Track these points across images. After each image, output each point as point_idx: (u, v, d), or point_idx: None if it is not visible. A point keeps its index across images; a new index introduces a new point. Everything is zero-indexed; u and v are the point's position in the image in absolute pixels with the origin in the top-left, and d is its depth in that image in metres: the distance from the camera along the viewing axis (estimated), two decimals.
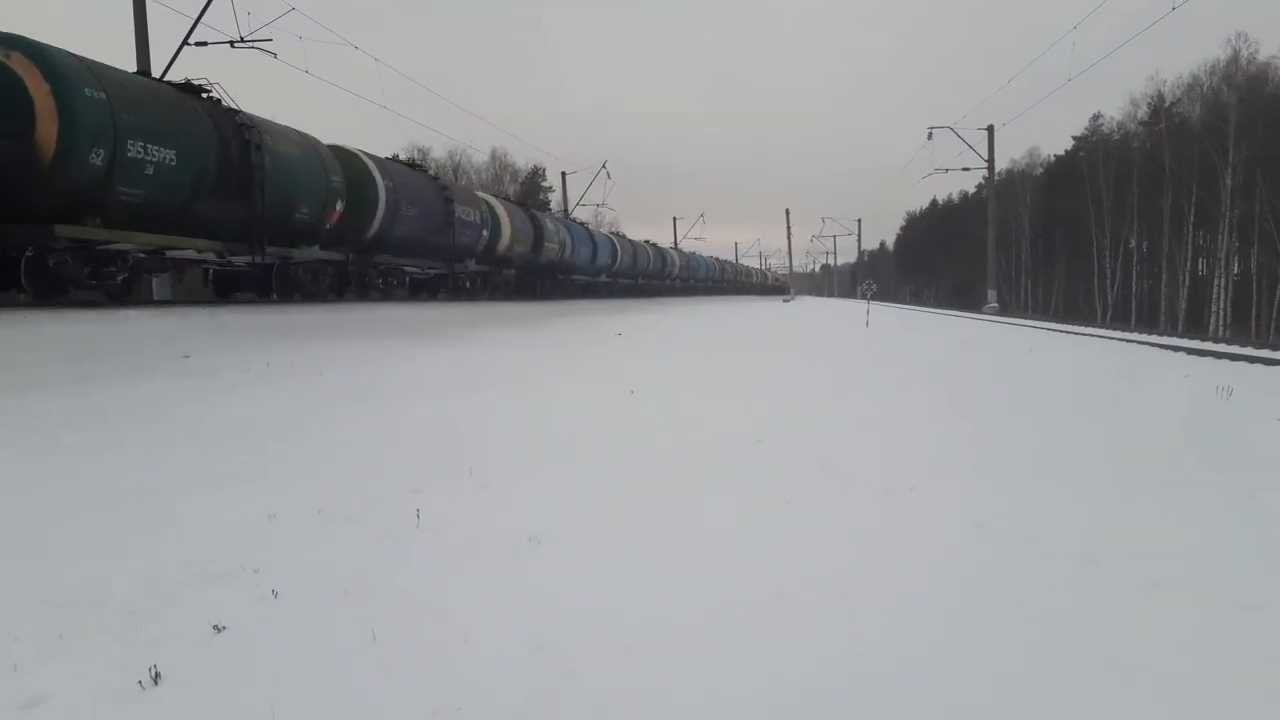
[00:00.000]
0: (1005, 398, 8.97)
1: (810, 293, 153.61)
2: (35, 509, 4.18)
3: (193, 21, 18.56)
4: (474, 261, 25.64)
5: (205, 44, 19.06)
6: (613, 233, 52.97)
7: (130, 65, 18.16)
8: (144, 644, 2.68)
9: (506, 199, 33.40)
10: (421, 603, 3.08)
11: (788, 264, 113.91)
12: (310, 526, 3.99)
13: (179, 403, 7.29)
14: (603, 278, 43.53)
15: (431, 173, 26.75)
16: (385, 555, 3.62)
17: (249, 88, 17.01)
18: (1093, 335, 23.55)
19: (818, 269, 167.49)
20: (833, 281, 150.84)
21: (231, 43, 19.21)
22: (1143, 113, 63.69)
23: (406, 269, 22.37)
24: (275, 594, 3.11)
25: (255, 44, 19.37)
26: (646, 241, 54.43)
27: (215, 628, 2.80)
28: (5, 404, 6.75)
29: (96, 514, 4.10)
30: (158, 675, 2.46)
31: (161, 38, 23.18)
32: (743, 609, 3.05)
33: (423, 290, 24.58)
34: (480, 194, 27.90)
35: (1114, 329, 32.16)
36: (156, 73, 18.08)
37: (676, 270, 59.91)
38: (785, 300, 79.34)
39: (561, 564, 3.54)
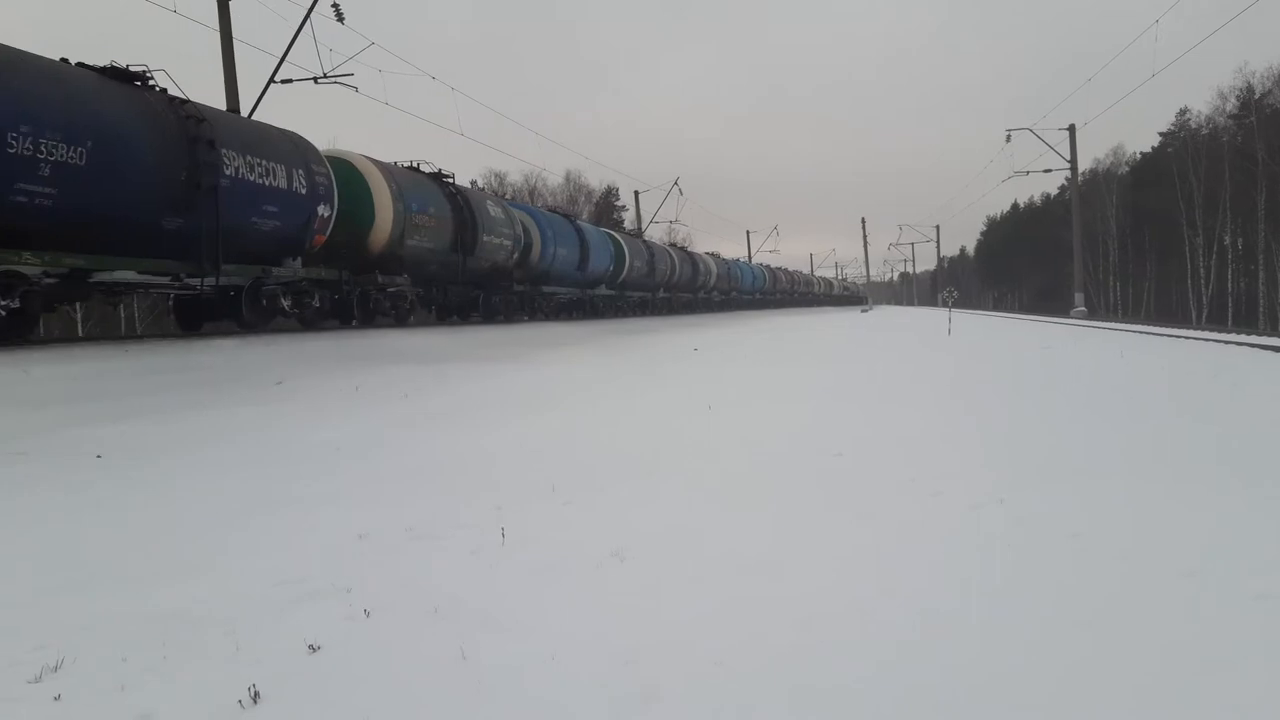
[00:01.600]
0: (1092, 407, 8.70)
1: (889, 301, 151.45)
2: (138, 531, 4.34)
3: (278, 60, 19.22)
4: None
5: (290, 81, 19.72)
6: (631, 231, 46.71)
7: (220, 101, 18.90)
8: (243, 663, 2.75)
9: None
10: (508, 620, 3.11)
11: (864, 273, 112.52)
12: (399, 545, 4.06)
13: (273, 426, 7.51)
14: (602, 289, 33.20)
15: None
16: (472, 573, 3.66)
17: (332, 120, 17.54)
18: (1190, 337, 22.70)
19: (896, 278, 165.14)
20: (912, 290, 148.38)
21: (315, 79, 19.84)
22: (1232, 106, 61.51)
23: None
24: (367, 613, 3.17)
25: (337, 79, 19.98)
26: (674, 245, 48.14)
27: (310, 647, 2.87)
28: (101, 432, 7.04)
29: (195, 535, 4.25)
30: (257, 694, 2.52)
31: (247, 76, 24.10)
32: (830, 622, 3.01)
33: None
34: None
35: (1210, 329, 30.96)
36: (245, 109, 18.76)
37: (713, 280, 49.98)
38: (863, 310, 78.32)
39: (646, 579, 3.53)
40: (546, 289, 27.98)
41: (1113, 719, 2.34)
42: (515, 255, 24.35)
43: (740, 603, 3.25)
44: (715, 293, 51.32)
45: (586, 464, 5.85)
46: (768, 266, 69.19)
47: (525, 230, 25.29)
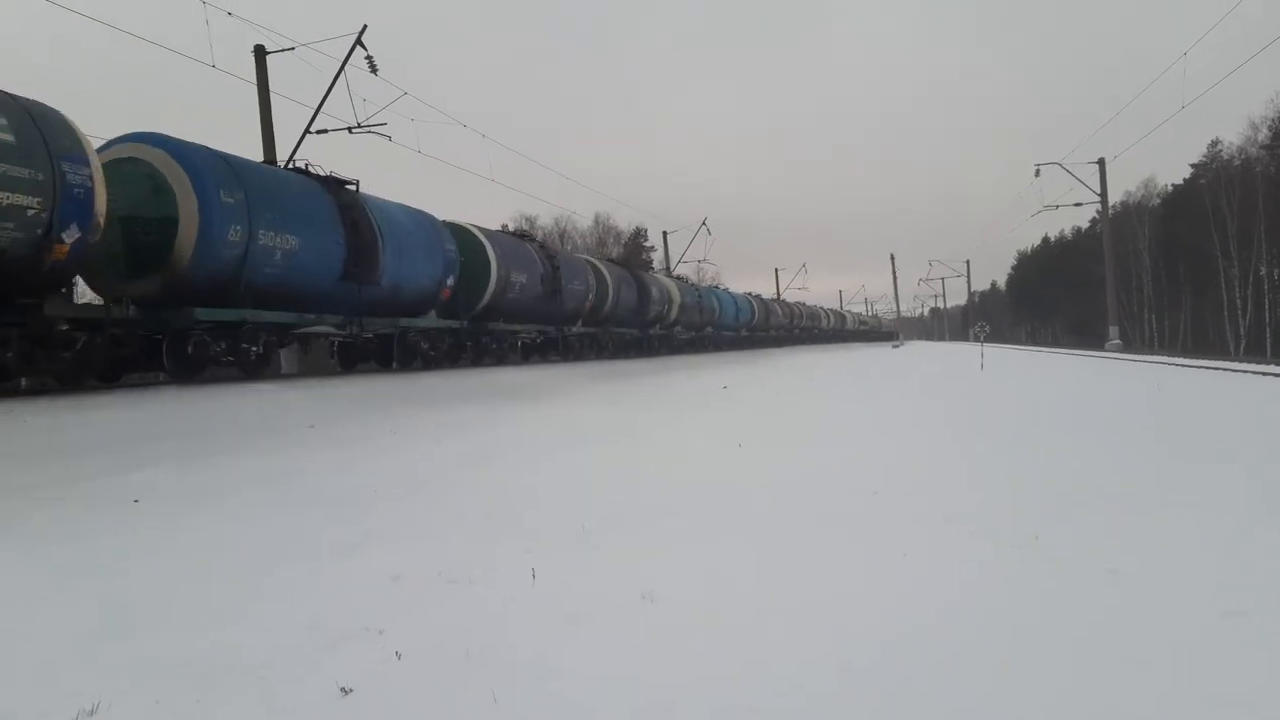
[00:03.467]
0: (1131, 444, 8.57)
1: (920, 337, 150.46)
2: (171, 576, 4.38)
3: (313, 111, 19.64)
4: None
5: (325, 131, 20.12)
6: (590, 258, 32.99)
7: (257, 152, 19.33)
8: (277, 706, 2.76)
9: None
10: (539, 664, 3.10)
11: (894, 308, 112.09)
12: (432, 588, 4.06)
13: (307, 470, 7.57)
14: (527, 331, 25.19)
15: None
16: (504, 616, 3.65)
17: (366, 168, 17.93)
18: (1230, 369, 22.35)
19: (926, 312, 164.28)
20: (943, 325, 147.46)
21: (349, 129, 20.24)
22: (1264, 136, 60.99)
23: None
24: (399, 655, 3.17)
25: (371, 129, 20.36)
26: (612, 261, 34.60)
27: (343, 690, 2.87)
28: (139, 477, 7.12)
29: (227, 579, 4.27)
30: None
31: (283, 126, 24.60)
32: (863, 671, 2.97)
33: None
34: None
35: (1248, 361, 30.46)
36: (281, 159, 19.15)
37: (674, 312, 38.10)
38: (894, 346, 77.85)
39: (676, 623, 3.51)
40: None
41: None
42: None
43: (774, 647, 3.22)
44: (679, 328, 40.14)
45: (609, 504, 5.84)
46: (757, 296, 57.99)
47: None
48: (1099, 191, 44.10)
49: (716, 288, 49.48)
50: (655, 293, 35.10)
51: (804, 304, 63.43)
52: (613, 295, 29.95)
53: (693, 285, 42.70)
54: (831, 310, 77.11)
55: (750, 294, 55.00)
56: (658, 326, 35.89)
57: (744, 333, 50.39)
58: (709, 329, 42.08)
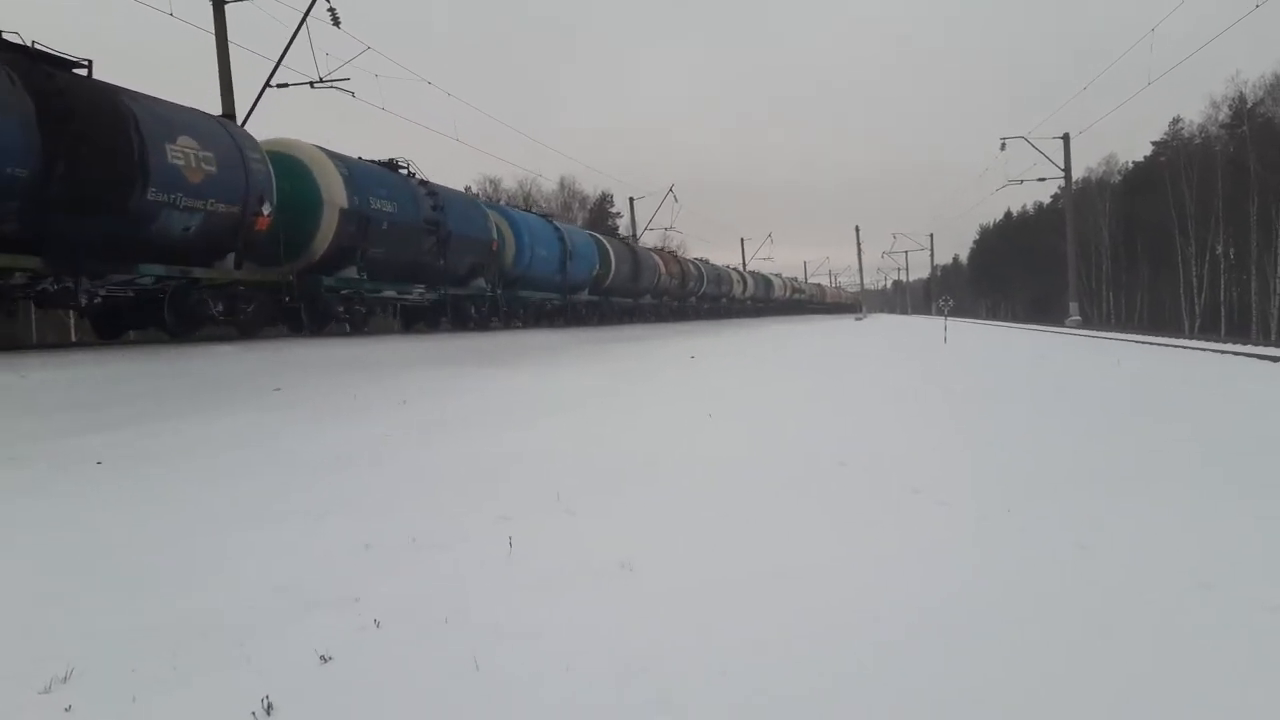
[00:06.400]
0: (1095, 420, 8.71)
1: (882, 309, 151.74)
2: (140, 539, 4.30)
3: (273, 64, 19.19)
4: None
5: (286, 85, 19.69)
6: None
7: (215, 107, 18.88)
8: (255, 674, 2.73)
9: None
10: (519, 630, 3.09)
11: (859, 281, 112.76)
12: (405, 555, 4.03)
13: (275, 434, 7.47)
14: None
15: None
16: (480, 583, 3.64)
17: (329, 124, 17.57)
18: (1185, 347, 22.77)
19: (889, 286, 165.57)
20: (905, 298, 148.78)
21: (311, 83, 19.82)
22: (1224, 115, 61.82)
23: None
24: (377, 623, 3.15)
25: (334, 84, 19.95)
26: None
27: (322, 658, 2.84)
28: (117, 437, 6.99)
29: (200, 543, 4.21)
30: (270, 706, 2.50)
31: (243, 79, 24.00)
32: (835, 631, 3.00)
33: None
34: None
35: (1203, 339, 31.06)
36: (240, 114, 18.73)
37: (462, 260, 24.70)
38: (857, 319, 78.43)
39: (654, 590, 3.52)
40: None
41: None
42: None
43: (750, 611, 3.24)
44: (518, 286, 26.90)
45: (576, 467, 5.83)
46: (661, 251, 47.94)
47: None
48: (1063, 167, 44.51)
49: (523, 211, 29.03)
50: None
51: (706, 261, 50.84)
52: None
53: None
54: (753, 274, 66.34)
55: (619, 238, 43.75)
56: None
57: (585, 295, 31.86)
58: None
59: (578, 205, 78.70)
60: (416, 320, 21.72)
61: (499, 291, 23.80)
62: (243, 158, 13.63)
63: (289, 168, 15.75)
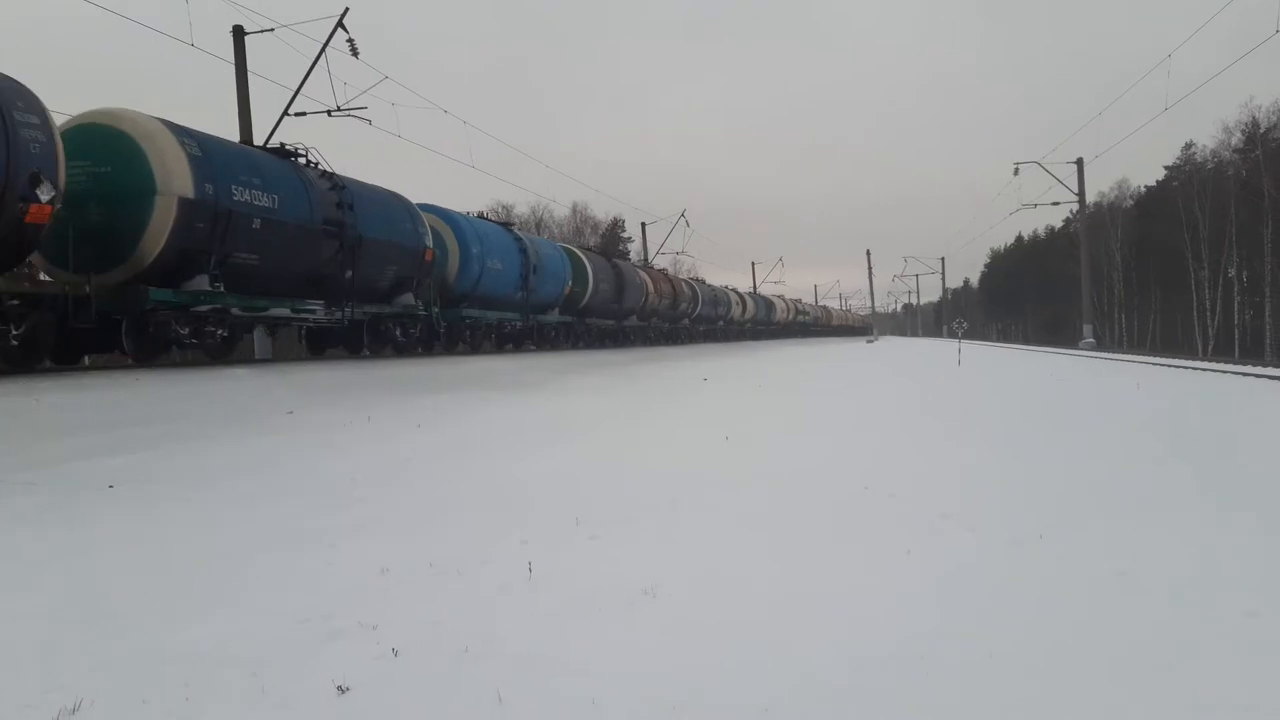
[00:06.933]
0: (1125, 443, 8.57)
1: (892, 332, 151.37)
2: (152, 566, 4.21)
3: (292, 93, 19.28)
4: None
5: (304, 114, 19.77)
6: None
7: (234, 133, 18.97)
8: (271, 707, 2.62)
9: None
10: (543, 661, 2.98)
11: (869, 304, 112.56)
12: (423, 581, 3.93)
13: (286, 458, 7.39)
14: None
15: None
16: (501, 610, 3.53)
17: (345, 151, 17.54)
18: (1201, 369, 22.56)
19: (900, 309, 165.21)
20: (916, 321, 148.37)
21: (329, 111, 19.89)
22: (1237, 140, 61.63)
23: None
24: (395, 652, 3.05)
25: (351, 112, 20.02)
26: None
27: (339, 688, 2.74)
28: (112, 462, 6.92)
29: (212, 571, 4.12)
30: None
31: (261, 108, 24.17)
32: (876, 666, 2.88)
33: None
34: None
35: (1218, 361, 30.80)
36: (259, 140, 18.82)
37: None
38: (869, 341, 78.17)
39: (680, 618, 3.40)
40: None
41: None
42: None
43: (787, 642, 3.12)
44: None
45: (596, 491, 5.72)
46: (650, 268, 43.99)
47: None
48: (1077, 191, 44.40)
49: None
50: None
51: (702, 281, 49.40)
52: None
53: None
54: (753, 295, 64.20)
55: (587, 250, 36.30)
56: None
57: (555, 315, 28.61)
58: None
59: (589, 230, 78.91)
60: (333, 344, 18.70)
61: (436, 310, 20.02)
62: (4, 120, 9.93)
63: (108, 143, 12.38)
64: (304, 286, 15.74)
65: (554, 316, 28.09)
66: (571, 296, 28.62)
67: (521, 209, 72.00)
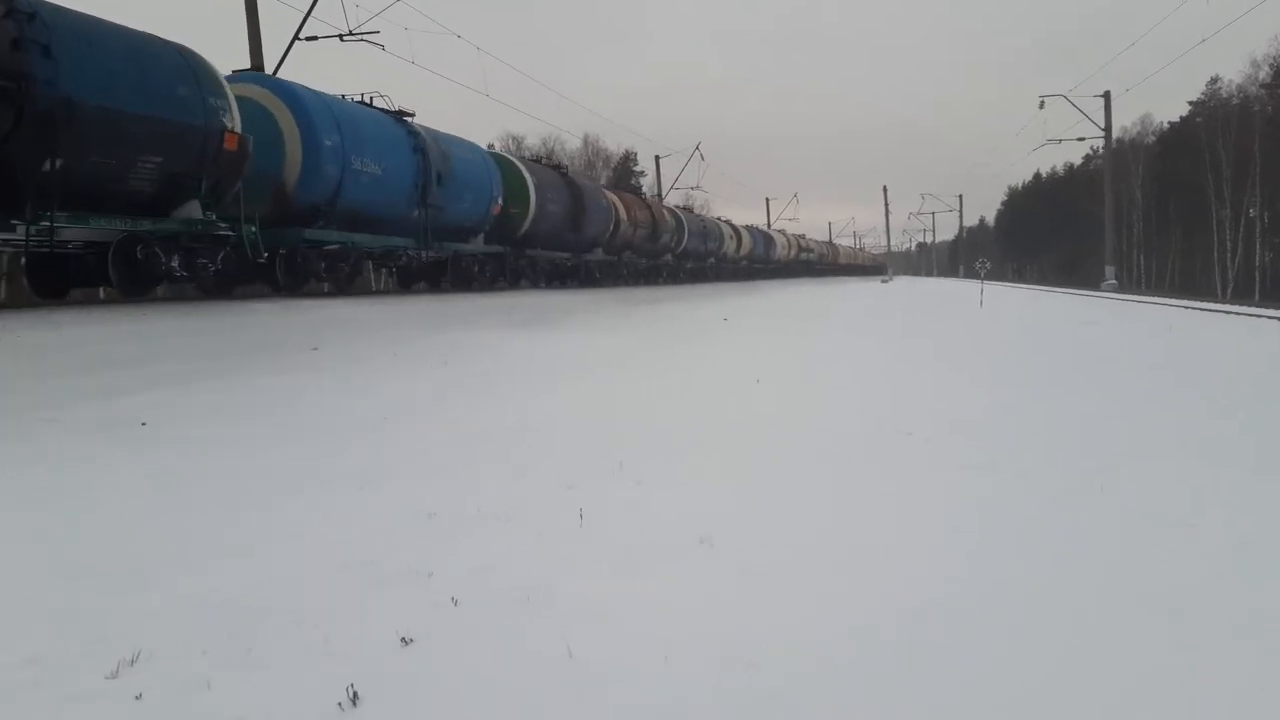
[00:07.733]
0: (1174, 390, 8.42)
1: (906, 272, 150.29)
2: (188, 507, 4.13)
3: (303, 16, 18.86)
4: None
5: (315, 38, 19.35)
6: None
7: (244, 60, 18.59)
8: (334, 659, 2.53)
9: None
10: (607, 613, 2.88)
11: (884, 243, 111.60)
12: (471, 526, 3.84)
13: (321, 394, 7.31)
14: None
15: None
16: (554, 558, 3.44)
17: (355, 77, 17.11)
18: (1230, 312, 22.26)
19: (914, 248, 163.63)
20: (931, 260, 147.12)
21: (340, 36, 19.47)
22: (1264, 75, 60.15)
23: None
24: (455, 601, 2.95)
25: (363, 37, 19.59)
26: None
27: (403, 640, 2.65)
28: (159, 396, 6.85)
29: (254, 511, 4.04)
30: (355, 695, 2.30)
31: (271, 32, 23.62)
32: (942, 620, 2.78)
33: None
34: None
35: (1241, 304, 30.41)
36: (270, 67, 18.44)
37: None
38: (884, 281, 77.60)
39: (740, 568, 3.30)
40: None
41: None
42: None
43: (847, 593, 3.02)
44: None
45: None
46: (623, 191, 38.64)
47: None
48: (1103, 126, 43.47)
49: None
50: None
51: (689, 210, 43.74)
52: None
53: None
54: (750, 229, 56.61)
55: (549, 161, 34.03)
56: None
57: (479, 244, 22.91)
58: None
59: (601, 164, 77.92)
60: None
61: (253, 230, 12.87)
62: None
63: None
64: None
65: (476, 245, 21.18)
66: (505, 219, 22.00)
67: (532, 140, 71.00)
